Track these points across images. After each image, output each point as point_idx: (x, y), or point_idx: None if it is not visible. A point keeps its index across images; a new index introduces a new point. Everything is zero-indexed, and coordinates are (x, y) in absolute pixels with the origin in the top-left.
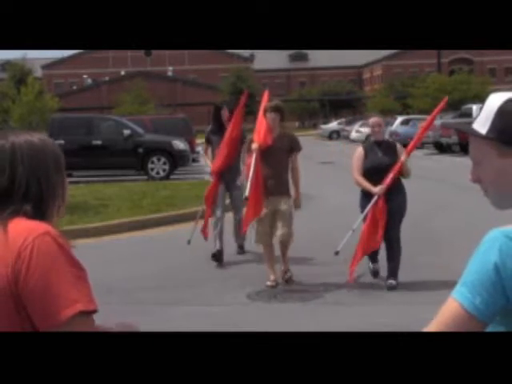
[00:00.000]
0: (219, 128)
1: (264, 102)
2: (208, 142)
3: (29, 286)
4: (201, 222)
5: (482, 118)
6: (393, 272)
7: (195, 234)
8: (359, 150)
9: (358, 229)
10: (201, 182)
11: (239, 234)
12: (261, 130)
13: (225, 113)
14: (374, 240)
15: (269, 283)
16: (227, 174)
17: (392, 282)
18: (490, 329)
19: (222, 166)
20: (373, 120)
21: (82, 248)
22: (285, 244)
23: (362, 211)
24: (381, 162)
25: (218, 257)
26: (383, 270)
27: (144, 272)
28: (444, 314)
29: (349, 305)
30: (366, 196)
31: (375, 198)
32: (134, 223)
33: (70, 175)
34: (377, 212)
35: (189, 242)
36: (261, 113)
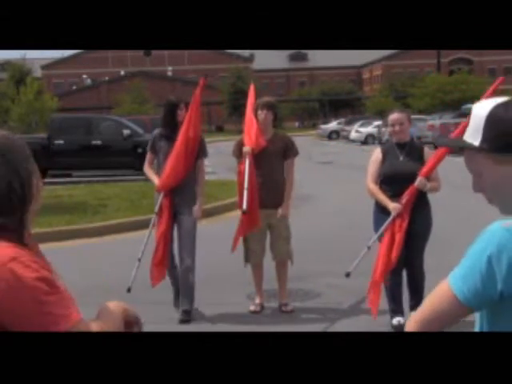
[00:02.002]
0: (172, 131)
1: (251, 97)
2: (153, 150)
3: (8, 318)
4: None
5: (472, 129)
6: (415, 305)
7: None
8: (376, 153)
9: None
10: None
11: (186, 292)
12: (251, 132)
13: (182, 112)
14: (390, 260)
15: (252, 308)
16: (178, 195)
17: None
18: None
19: (173, 180)
20: (393, 117)
21: (81, 248)
22: (282, 264)
23: (376, 227)
24: (401, 168)
25: (188, 319)
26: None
27: (144, 272)
28: (435, 294)
29: (349, 304)
30: (381, 209)
31: (392, 215)
32: (134, 223)
33: (69, 175)
34: (395, 229)
35: (129, 290)
36: (248, 111)
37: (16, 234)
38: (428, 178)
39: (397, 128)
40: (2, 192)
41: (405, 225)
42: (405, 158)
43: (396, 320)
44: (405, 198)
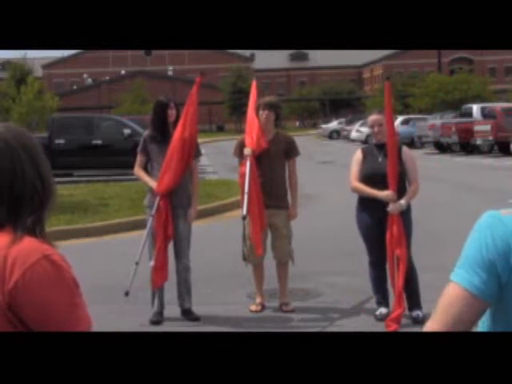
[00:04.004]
0: (163, 132)
1: (253, 95)
2: (144, 152)
3: (30, 313)
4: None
5: None
6: (415, 302)
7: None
8: (357, 154)
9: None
10: (202, 181)
11: (185, 292)
12: (252, 132)
13: (172, 112)
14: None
15: (253, 308)
16: (173, 197)
17: (419, 313)
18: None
19: (172, 182)
20: (372, 118)
21: (82, 248)
22: (283, 263)
23: (360, 227)
24: (380, 168)
25: (158, 321)
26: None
27: (144, 272)
28: (445, 298)
29: (350, 304)
30: (364, 208)
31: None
32: (135, 223)
33: (70, 175)
34: (394, 230)
35: (126, 294)
36: (251, 110)
37: (39, 233)
38: (406, 179)
39: (375, 129)
40: (27, 193)
41: (403, 237)
42: (383, 158)
43: (378, 311)
44: (391, 227)
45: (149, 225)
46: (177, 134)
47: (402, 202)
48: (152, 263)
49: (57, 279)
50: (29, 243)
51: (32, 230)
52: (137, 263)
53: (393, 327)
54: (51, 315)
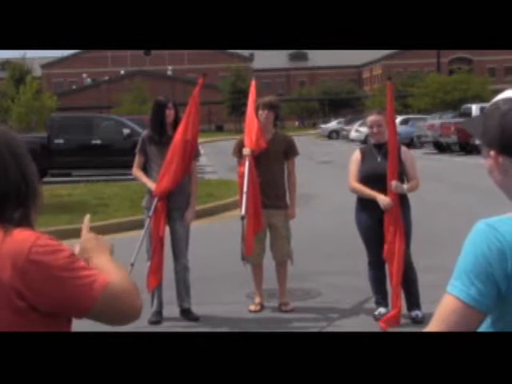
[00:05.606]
0: (161, 133)
1: (252, 95)
2: (142, 152)
3: (42, 301)
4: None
5: None
6: (415, 302)
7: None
8: (356, 154)
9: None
10: (201, 181)
11: (184, 292)
12: (252, 132)
13: (171, 112)
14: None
15: (252, 308)
16: (172, 199)
17: (418, 313)
18: (484, 326)
19: (171, 184)
20: (371, 119)
21: None
22: (282, 264)
23: (359, 227)
24: (379, 168)
25: (157, 321)
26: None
27: (142, 272)
28: (441, 310)
29: (349, 304)
30: (363, 207)
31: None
32: (134, 222)
33: (69, 174)
34: (391, 223)
35: None
36: (250, 110)
37: (25, 226)
38: (405, 178)
39: (375, 129)
40: (11, 192)
41: (401, 236)
42: (382, 158)
43: (378, 311)
44: (389, 227)
45: (146, 226)
46: (178, 136)
47: (405, 186)
48: (149, 263)
49: (58, 251)
50: (20, 233)
51: (19, 224)
52: (132, 264)
53: (385, 327)
54: (66, 283)
